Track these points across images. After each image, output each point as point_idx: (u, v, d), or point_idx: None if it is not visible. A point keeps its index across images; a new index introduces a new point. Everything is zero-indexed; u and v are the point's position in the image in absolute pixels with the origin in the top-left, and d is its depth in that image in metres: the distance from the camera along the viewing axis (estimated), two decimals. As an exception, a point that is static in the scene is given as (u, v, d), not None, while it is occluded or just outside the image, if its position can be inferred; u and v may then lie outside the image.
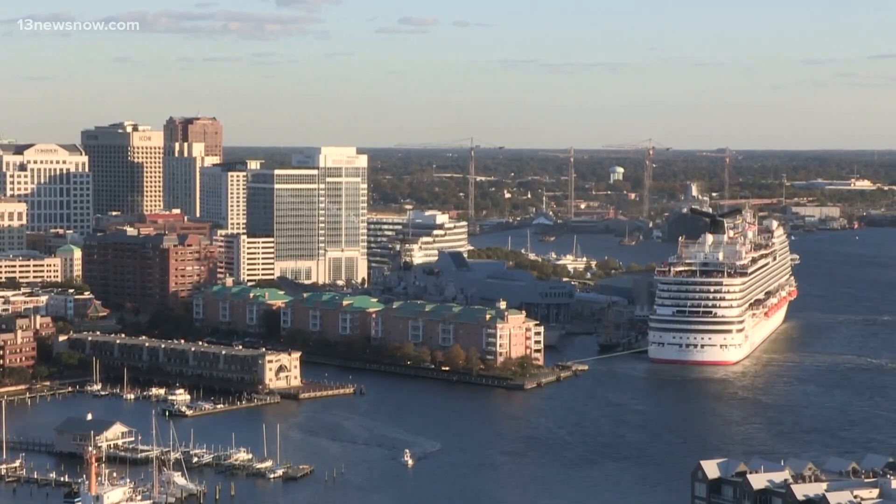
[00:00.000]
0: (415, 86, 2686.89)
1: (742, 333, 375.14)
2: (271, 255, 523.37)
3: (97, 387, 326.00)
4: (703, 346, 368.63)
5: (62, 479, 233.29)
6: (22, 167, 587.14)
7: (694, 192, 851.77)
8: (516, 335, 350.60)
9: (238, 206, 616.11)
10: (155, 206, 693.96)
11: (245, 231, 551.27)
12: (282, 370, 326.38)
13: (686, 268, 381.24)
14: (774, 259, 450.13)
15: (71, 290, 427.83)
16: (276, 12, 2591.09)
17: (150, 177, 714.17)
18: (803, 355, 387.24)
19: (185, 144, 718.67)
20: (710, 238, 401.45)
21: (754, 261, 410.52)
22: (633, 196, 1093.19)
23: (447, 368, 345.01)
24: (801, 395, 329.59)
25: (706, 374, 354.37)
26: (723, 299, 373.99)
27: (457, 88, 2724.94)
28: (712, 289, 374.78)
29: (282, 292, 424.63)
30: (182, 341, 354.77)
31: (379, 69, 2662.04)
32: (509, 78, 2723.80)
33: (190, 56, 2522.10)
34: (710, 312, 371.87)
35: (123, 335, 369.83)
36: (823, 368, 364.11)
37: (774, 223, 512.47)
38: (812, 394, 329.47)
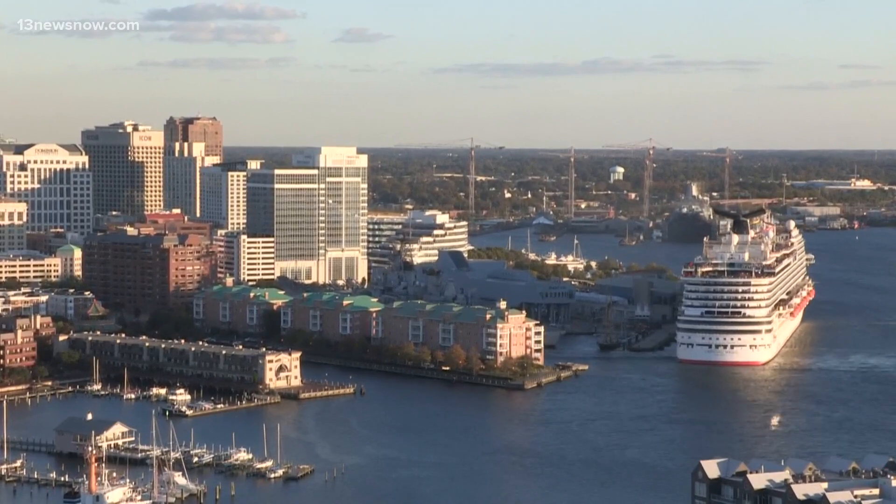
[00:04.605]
0: (410, 88, 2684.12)
1: (771, 334, 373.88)
2: (271, 255, 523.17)
3: (97, 387, 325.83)
4: (732, 346, 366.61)
5: (62, 479, 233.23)
6: (22, 167, 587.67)
7: (694, 192, 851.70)
8: (516, 335, 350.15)
9: (238, 205, 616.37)
10: (155, 206, 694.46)
11: (245, 231, 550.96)
12: (282, 370, 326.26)
13: (712, 268, 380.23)
14: (794, 259, 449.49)
15: (71, 290, 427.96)
16: (233, 23, 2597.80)
17: (151, 177, 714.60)
18: (827, 356, 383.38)
19: (186, 144, 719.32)
20: (735, 238, 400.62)
21: (779, 260, 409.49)
22: (633, 196, 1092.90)
23: (447, 368, 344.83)
24: (825, 396, 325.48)
25: (735, 375, 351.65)
26: (751, 299, 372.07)
27: (456, 89, 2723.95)
28: (740, 289, 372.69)
29: (282, 292, 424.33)
30: (182, 341, 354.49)
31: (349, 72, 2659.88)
32: (509, 78, 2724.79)
33: (192, 58, 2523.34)
34: (739, 313, 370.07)
35: (123, 335, 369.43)
36: (844, 369, 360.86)
37: (791, 223, 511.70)
38: (830, 397, 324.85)
